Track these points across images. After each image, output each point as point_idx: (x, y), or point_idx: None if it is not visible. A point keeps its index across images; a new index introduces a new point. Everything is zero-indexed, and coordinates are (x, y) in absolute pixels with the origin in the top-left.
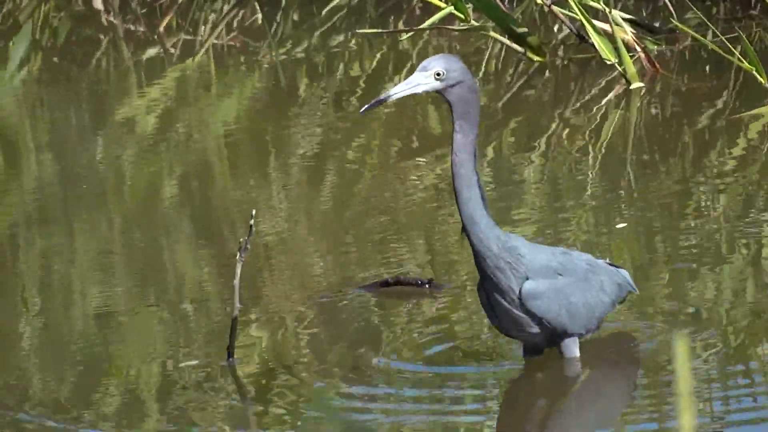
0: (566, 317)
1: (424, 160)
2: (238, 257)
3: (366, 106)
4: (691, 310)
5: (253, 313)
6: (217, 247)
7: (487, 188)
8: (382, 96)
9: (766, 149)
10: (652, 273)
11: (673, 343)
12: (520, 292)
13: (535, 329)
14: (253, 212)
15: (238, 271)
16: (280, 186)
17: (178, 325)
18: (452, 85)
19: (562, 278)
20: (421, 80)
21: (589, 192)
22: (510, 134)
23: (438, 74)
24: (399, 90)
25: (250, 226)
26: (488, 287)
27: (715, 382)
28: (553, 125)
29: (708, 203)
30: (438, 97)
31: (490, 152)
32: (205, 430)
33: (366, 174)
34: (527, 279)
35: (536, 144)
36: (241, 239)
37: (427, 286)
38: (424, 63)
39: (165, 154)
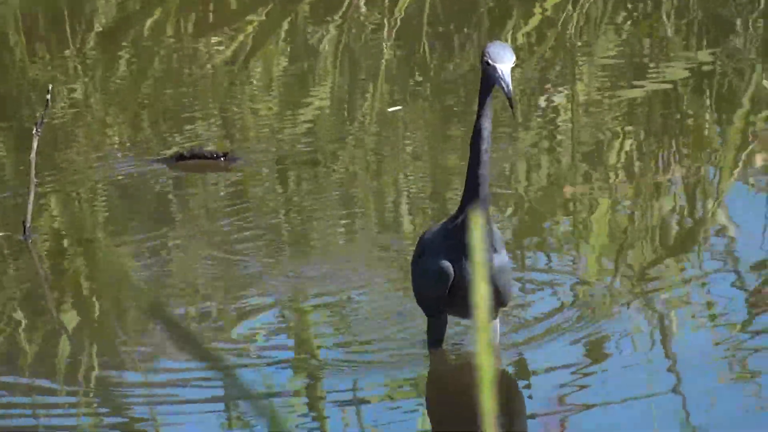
0: (510, 291)
1: (221, 34)
2: (34, 131)
3: (513, 108)
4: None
5: (49, 187)
6: (13, 121)
7: (282, 60)
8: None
9: (560, 21)
10: (446, 157)
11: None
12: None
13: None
14: (50, 87)
15: (35, 145)
16: (76, 60)
17: None
18: None
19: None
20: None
21: (383, 66)
22: (306, 5)
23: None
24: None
25: (47, 100)
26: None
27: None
28: None
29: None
30: None
31: (286, 25)
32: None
33: (162, 47)
34: (495, 252)
35: (330, 17)
36: (37, 113)
37: (222, 159)
38: (511, 54)
39: None
